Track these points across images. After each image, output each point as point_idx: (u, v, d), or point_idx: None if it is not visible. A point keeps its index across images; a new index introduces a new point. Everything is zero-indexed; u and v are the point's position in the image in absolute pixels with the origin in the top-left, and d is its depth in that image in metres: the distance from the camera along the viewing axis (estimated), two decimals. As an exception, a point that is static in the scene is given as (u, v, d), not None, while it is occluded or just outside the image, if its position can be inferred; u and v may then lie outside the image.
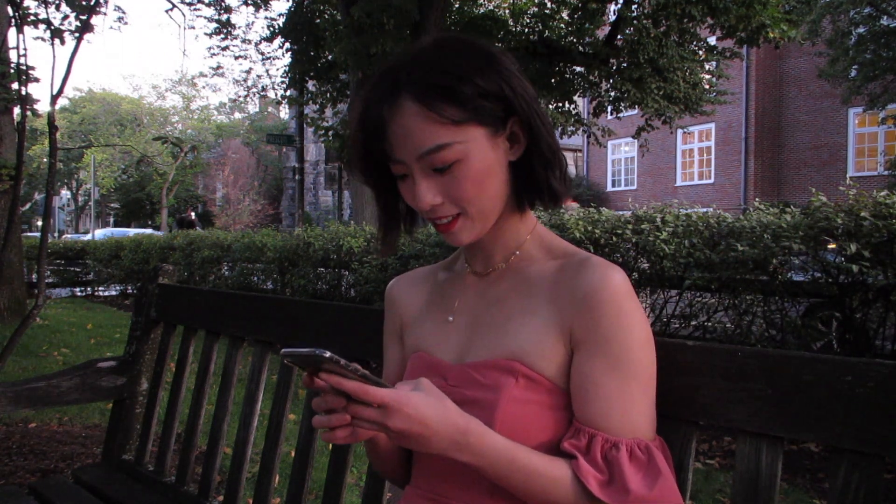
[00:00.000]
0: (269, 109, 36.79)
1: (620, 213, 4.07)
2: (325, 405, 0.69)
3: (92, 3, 2.80)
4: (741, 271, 3.27)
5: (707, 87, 10.33)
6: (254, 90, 15.12)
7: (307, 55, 10.27)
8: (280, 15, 10.64)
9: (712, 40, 9.55)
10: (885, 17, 12.40)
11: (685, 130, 13.72)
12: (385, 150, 0.78)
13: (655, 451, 0.74)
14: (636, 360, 0.76)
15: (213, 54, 23.50)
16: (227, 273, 7.64)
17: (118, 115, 32.26)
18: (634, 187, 20.44)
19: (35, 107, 3.02)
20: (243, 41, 15.46)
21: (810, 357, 0.76)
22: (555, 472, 0.73)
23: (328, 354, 0.63)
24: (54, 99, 2.58)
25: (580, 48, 9.76)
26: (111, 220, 38.36)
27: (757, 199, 4.11)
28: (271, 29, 10.95)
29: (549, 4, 10.19)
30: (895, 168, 13.10)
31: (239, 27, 25.78)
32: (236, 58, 16.36)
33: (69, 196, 40.12)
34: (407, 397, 0.67)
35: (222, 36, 11.84)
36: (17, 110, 4.99)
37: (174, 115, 35.85)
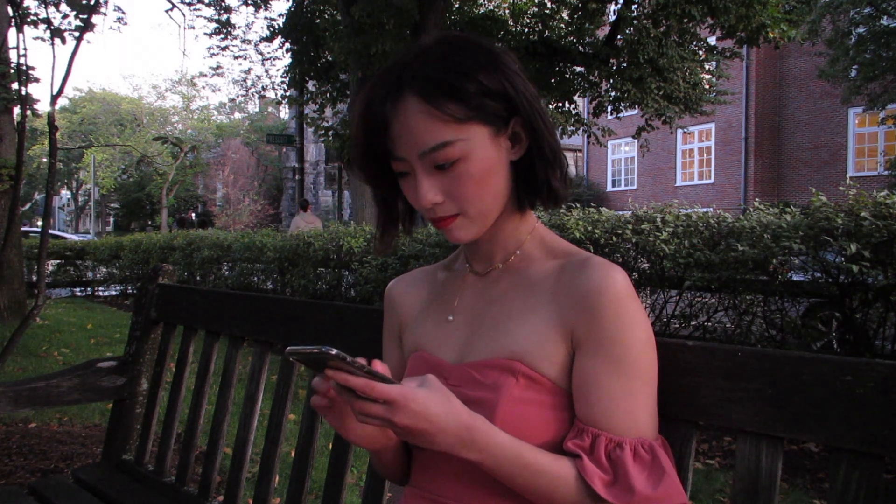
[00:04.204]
0: (269, 109, 36.77)
1: (620, 213, 4.07)
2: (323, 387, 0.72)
3: (92, 2, 2.80)
4: (741, 271, 3.27)
5: (707, 87, 10.33)
6: (253, 90, 15.12)
7: (307, 55, 10.27)
8: (280, 15, 10.64)
9: (712, 40, 9.55)
10: (885, 17, 12.40)
11: (685, 130, 13.72)
12: (387, 148, 0.78)
13: (659, 450, 0.75)
14: (638, 359, 0.76)
15: (213, 54, 23.52)
16: (227, 273, 7.65)
17: (118, 115, 32.26)
18: (634, 187, 20.45)
19: (35, 107, 3.02)
20: (243, 41, 15.43)
21: (810, 357, 0.76)
22: (560, 471, 0.73)
23: (335, 352, 0.63)
24: (54, 99, 2.58)
25: (580, 48, 9.77)
26: (111, 220, 38.37)
27: (757, 199, 4.11)
28: (271, 29, 10.95)
29: (549, 4, 10.20)
30: (895, 168, 13.10)
31: (239, 27, 25.80)
32: (236, 58, 16.35)
33: (69, 196, 40.13)
34: (413, 393, 0.67)
35: (222, 36, 11.84)
36: (17, 110, 4.99)
37: (174, 115, 35.88)
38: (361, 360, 0.67)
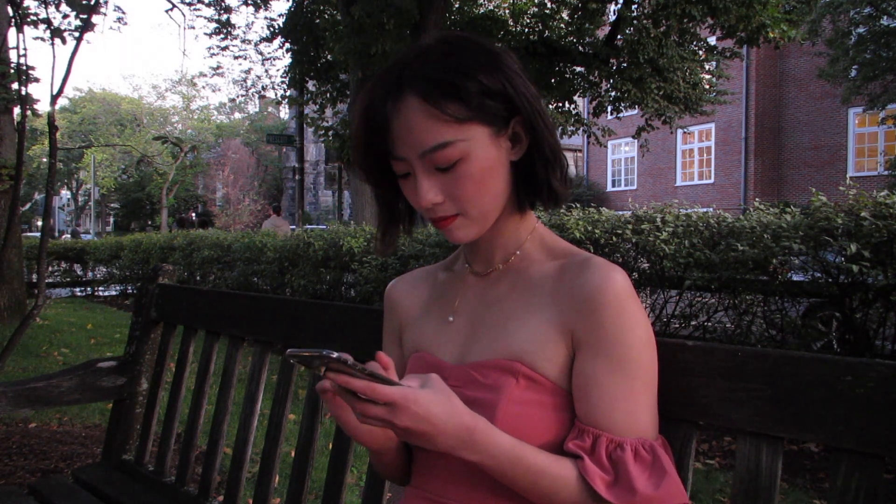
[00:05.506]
0: (269, 109, 36.79)
1: (620, 213, 4.07)
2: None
3: (92, 2, 2.80)
4: (741, 271, 3.27)
5: (707, 87, 10.33)
6: (253, 90, 15.14)
7: (307, 55, 10.27)
8: (280, 15, 10.64)
9: (712, 40, 9.55)
10: (885, 17, 12.40)
11: (685, 130, 13.72)
12: (387, 148, 0.78)
13: (660, 450, 0.75)
14: (639, 360, 0.76)
15: (213, 54, 23.52)
16: (227, 273, 7.64)
17: (118, 115, 32.25)
18: (634, 187, 20.44)
19: (35, 107, 3.02)
20: (243, 41, 15.44)
21: (810, 357, 0.76)
22: (561, 472, 0.73)
23: (335, 355, 0.63)
24: (54, 99, 2.58)
25: (580, 48, 9.77)
26: (111, 220, 38.37)
27: (757, 199, 4.11)
28: (271, 29, 10.96)
29: (549, 4, 10.20)
30: (895, 168, 13.10)
31: (239, 27, 25.82)
32: (236, 58, 16.36)
33: (69, 196, 40.12)
34: (415, 395, 0.67)
35: (222, 36, 11.85)
36: (17, 110, 4.99)
37: (174, 115, 35.86)
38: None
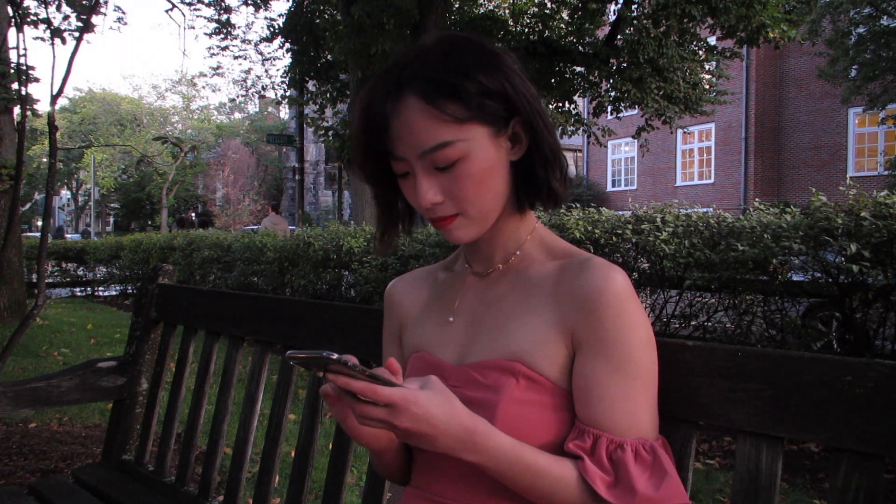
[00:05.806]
0: (269, 109, 36.80)
1: (620, 213, 4.07)
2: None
3: (92, 3, 2.80)
4: (741, 271, 3.27)
5: (707, 87, 10.33)
6: (253, 90, 15.13)
7: (307, 55, 10.27)
8: (280, 15, 10.65)
9: (712, 40, 9.55)
10: (885, 17, 12.41)
11: (685, 130, 13.72)
12: (387, 147, 0.78)
13: (660, 450, 0.75)
14: (639, 360, 0.76)
15: (213, 54, 23.51)
16: (227, 273, 7.64)
17: (118, 115, 32.24)
18: (634, 187, 20.44)
19: (35, 107, 3.02)
20: (243, 41, 15.42)
21: (810, 357, 0.76)
22: (561, 473, 0.73)
23: (335, 356, 0.63)
24: (54, 99, 2.58)
25: (580, 48, 9.77)
26: (111, 220, 38.37)
27: (757, 199, 4.11)
28: (271, 29, 10.96)
29: (549, 4, 10.20)
30: (895, 168, 13.10)
31: (239, 27, 25.84)
32: (236, 58, 16.36)
33: (69, 196, 40.12)
34: (415, 396, 0.67)
35: (222, 36, 11.85)
36: (17, 110, 4.99)
37: (174, 115, 35.87)
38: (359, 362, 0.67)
